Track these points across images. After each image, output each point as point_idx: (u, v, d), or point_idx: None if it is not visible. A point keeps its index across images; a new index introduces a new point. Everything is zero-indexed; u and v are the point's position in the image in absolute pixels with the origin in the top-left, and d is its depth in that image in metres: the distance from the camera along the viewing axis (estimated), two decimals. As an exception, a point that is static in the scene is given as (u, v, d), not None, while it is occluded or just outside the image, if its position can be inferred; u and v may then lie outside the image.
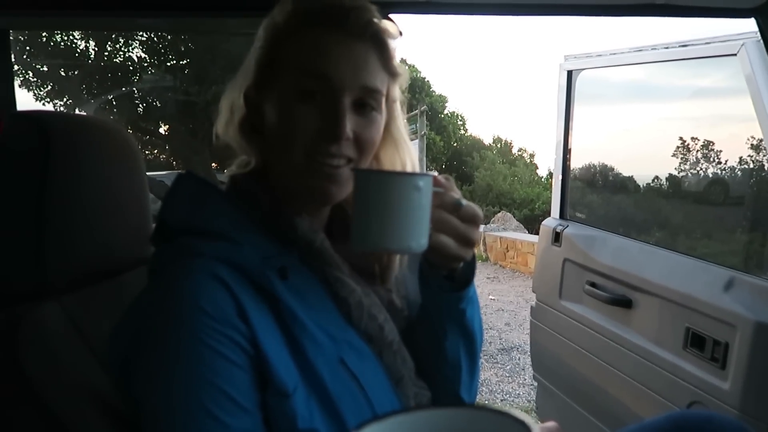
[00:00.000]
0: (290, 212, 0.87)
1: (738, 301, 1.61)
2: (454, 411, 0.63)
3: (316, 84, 0.82)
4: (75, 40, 11.30)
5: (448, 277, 0.89)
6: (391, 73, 0.90)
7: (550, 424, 0.93)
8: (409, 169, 0.97)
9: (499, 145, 24.53)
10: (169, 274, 0.77)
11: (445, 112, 23.34)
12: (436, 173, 0.81)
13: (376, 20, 0.85)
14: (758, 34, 1.52)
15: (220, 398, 0.71)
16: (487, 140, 25.24)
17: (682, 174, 3.08)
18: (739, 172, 2.50)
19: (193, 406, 0.70)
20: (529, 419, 0.54)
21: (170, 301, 0.74)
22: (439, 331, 0.93)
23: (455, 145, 23.04)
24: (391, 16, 1.11)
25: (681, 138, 2.95)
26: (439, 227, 0.80)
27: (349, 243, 0.93)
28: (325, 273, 0.86)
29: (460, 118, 24.29)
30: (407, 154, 0.97)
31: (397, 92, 0.94)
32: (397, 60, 0.90)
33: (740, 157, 2.39)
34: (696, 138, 3.07)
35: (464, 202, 0.82)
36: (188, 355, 0.72)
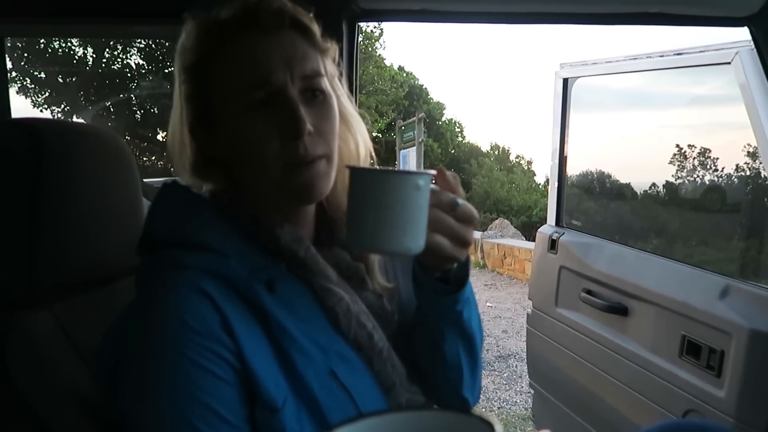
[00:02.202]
0: (272, 224, 0.85)
1: (733, 309, 1.61)
2: (422, 414, 0.63)
3: (258, 93, 0.80)
4: (73, 47, 11.31)
5: (443, 279, 0.87)
6: (321, 50, 0.87)
7: None
8: (361, 144, 0.94)
9: (496, 152, 24.54)
10: (155, 287, 0.76)
11: (443, 119, 23.38)
12: (433, 171, 0.78)
13: (286, 6, 0.83)
14: (751, 42, 1.52)
15: (206, 414, 0.70)
16: (485, 147, 25.27)
17: (679, 181, 3.08)
18: (735, 180, 2.50)
19: (179, 422, 0.70)
20: (495, 420, 0.54)
21: (155, 315, 0.73)
22: (436, 334, 0.92)
23: (453, 152, 23.05)
24: (387, 24, 1.11)
25: (678, 145, 2.96)
26: (435, 227, 0.77)
27: (335, 249, 0.91)
28: (312, 283, 0.85)
29: (457, 125, 24.33)
30: (357, 129, 0.94)
31: (332, 66, 0.90)
32: (318, 35, 0.87)
33: (737, 165, 2.40)
34: (693, 145, 3.08)
35: (460, 201, 0.80)
36: (173, 371, 0.71)
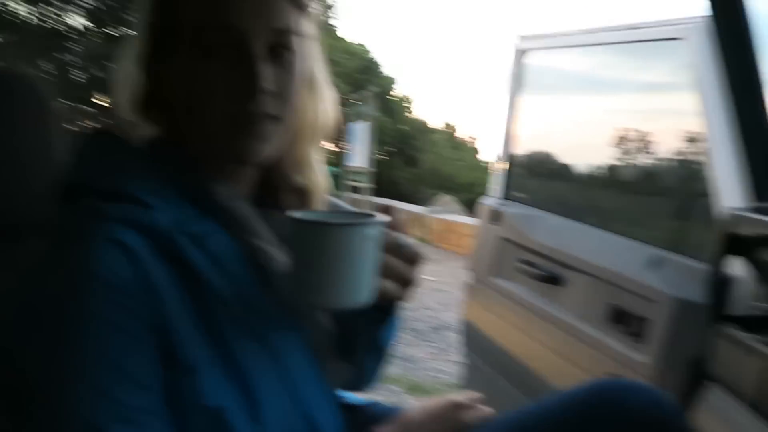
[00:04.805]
0: (209, 178, 0.81)
1: (660, 278, 1.67)
2: None
3: (219, 37, 0.75)
4: (17, 4, 10.73)
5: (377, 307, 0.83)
6: (300, 6, 0.82)
7: (474, 395, 0.94)
8: (320, 114, 0.89)
9: (445, 129, 24.71)
10: (68, 239, 0.71)
11: (394, 94, 23.32)
12: (386, 216, 0.74)
13: None
14: (707, 17, 1.53)
15: (116, 375, 0.66)
16: (434, 124, 25.40)
17: (619, 164, 3.18)
18: (670, 164, 2.59)
19: (85, 382, 0.65)
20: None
21: (67, 269, 0.69)
22: (353, 346, 0.92)
23: (402, 127, 23.05)
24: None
25: (620, 129, 3.05)
26: (382, 271, 0.75)
27: (276, 214, 0.85)
28: (246, 242, 0.81)
29: (407, 100, 24.33)
30: (321, 99, 0.90)
31: (310, 27, 0.85)
32: None
33: (674, 150, 2.48)
34: (635, 129, 3.17)
35: (406, 242, 0.77)
36: (82, 328, 0.66)
